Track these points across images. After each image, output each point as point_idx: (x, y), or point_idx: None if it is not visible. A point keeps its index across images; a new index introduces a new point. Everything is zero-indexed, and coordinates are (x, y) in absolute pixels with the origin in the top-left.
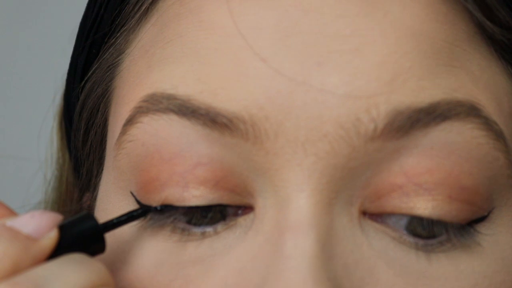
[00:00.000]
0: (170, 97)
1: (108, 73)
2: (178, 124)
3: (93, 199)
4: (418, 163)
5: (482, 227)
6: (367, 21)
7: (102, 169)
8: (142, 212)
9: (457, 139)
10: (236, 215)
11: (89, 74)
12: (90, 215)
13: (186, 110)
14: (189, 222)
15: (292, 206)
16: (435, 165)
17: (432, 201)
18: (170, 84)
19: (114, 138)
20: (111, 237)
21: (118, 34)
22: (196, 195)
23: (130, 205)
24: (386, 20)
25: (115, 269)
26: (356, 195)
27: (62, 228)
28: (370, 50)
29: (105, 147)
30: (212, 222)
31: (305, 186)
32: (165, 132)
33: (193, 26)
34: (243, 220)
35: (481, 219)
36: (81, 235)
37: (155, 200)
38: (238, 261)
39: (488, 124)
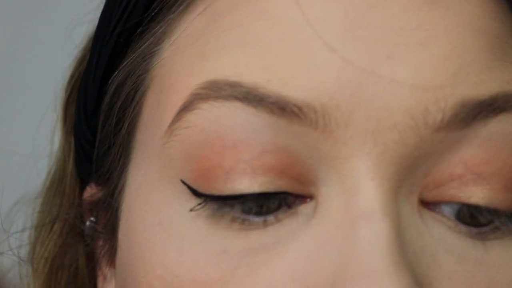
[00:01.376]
0: (234, 85)
1: (144, 63)
2: (243, 112)
3: (118, 191)
4: (477, 153)
5: None
6: (431, 16)
7: (129, 162)
8: None
9: (510, 128)
10: (295, 204)
11: (122, 65)
12: None
13: (253, 98)
14: (249, 211)
15: (362, 194)
16: (493, 155)
17: (489, 190)
18: (233, 71)
19: (156, 127)
20: (158, 226)
21: (154, 23)
22: (264, 182)
23: (179, 194)
24: (447, 16)
25: (168, 257)
26: (417, 184)
27: None
28: (435, 44)
29: (133, 139)
30: (272, 211)
31: (374, 175)
32: (228, 119)
33: (254, 15)
34: (303, 208)
35: None
36: None
37: (217, 188)
38: (306, 248)
39: None
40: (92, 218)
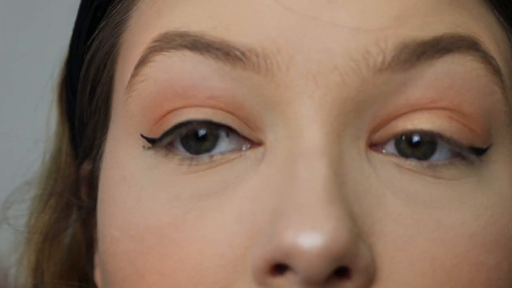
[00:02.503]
0: (183, 35)
1: (115, 30)
2: (191, 59)
3: (98, 158)
4: (423, 94)
5: (481, 158)
6: None
7: (107, 129)
8: None
9: (459, 70)
10: (241, 148)
11: (94, 34)
12: None
13: (200, 45)
14: (195, 141)
15: (304, 136)
16: (439, 95)
17: (434, 117)
18: (182, 22)
19: (121, 87)
20: (122, 181)
21: None
22: (209, 112)
23: (140, 148)
24: None
25: (127, 207)
26: (364, 129)
27: None
28: None
29: (110, 105)
30: (212, 145)
31: (316, 117)
32: (178, 68)
33: None
34: (252, 153)
35: (480, 152)
36: None
37: (164, 129)
38: (252, 190)
39: (486, 58)
40: (87, 196)
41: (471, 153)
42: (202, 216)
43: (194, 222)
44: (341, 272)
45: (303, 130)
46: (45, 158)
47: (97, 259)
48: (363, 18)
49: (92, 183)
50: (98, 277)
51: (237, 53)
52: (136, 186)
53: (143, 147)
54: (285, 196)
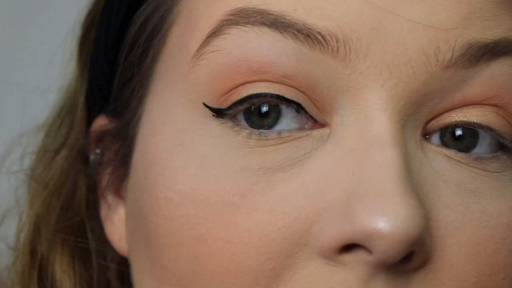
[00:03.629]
0: (262, 12)
1: None
2: (269, 37)
3: (136, 119)
4: (479, 92)
5: None
6: None
7: (148, 92)
8: None
9: (509, 70)
10: (304, 127)
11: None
12: None
13: (280, 24)
14: (250, 119)
15: (375, 123)
16: (492, 93)
17: (483, 110)
18: (261, 0)
19: (182, 55)
20: (180, 147)
21: None
22: (280, 88)
23: (201, 116)
24: None
25: (189, 173)
26: (421, 120)
27: None
28: None
29: (155, 69)
30: (274, 122)
31: (387, 106)
32: (254, 43)
33: None
34: (317, 133)
35: None
36: None
37: (234, 99)
38: (320, 169)
39: None
40: (97, 150)
41: None
42: (270, 189)
43: (262, 193)
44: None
45: (373, 117)
46: (57, 110)
47: (108, 214)
48: (435, 17)
49: (109, 139)
50: (113, 234)
51: (318, 36)
52: (198, 153)
53: (213, 115)
54: (361, 180)
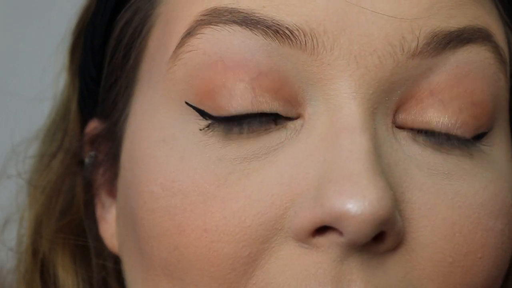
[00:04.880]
0: (233, 11)
1: (150, 1)
2: (241, 34)
3: (122, 119)
4: (444, 79)
5: (485, 141)
6: None
7: (133, 93)
8: None
9: (476, 58)
10: (284, 121)
11: (130, 3)
12: None
13: (250, 21)
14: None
15: (344, 111)
16: (457, 81)
17: (445, 111)
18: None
19: (161, 55)
20: (162, 142)
21: None
22: (262, 102)
23: (182, 114)
24: None
25: (170, 166)
26: (391, 107)
27: None
28: None
29: (138, 71)
30: (265, 127)
31: (356, 95)
32: (227, 41)
33: None
34: (291, 124)
35: (482, 135)
36: None
37: (222, 107)
38: (294, 157)
39: (497, 48)
40: (91, 153)
41: (476, 140)
42: (245, 177)
43: (237, 182)
44: (378, 235)
45: (343, 106)
46: (52, 116)
47: (102, 214)
48: (399, 8)
49: (101, 141)
50: (106, 232)
51: (287, 31)
52: (179, 147)
53: (200, 120)
54: (331, 165)
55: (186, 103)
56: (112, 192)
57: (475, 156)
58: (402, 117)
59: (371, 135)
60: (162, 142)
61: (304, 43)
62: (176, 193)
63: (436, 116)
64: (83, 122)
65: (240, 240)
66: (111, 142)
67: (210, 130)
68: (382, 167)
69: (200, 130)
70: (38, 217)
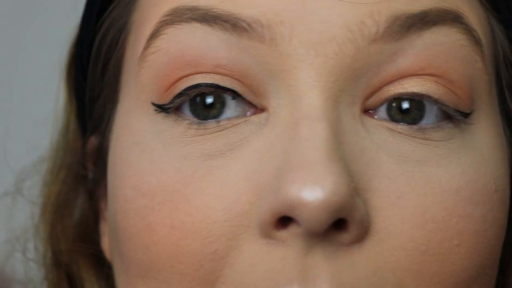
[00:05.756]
0: (193, 8)
1: (127, 9)
2: (200, 31)
3: (107, 130)
4: (413, 62)
5: (464, 121)
6: None
7: (117, 103)
8: None
9: (445, 40)
10: (245, 114)
11: (106, 12)
12: None
13: (209, 17)
14: (202, 106)
15: (305, 100)
16: (428, 63)
17: (422, 81)
18: None
19: (133, 60)
20: (135, 146)
21: None
22: (217, 78)
23: (150, 115)
24: None
25: (140, 168)
26: (358, 95)
27: None
28: None
29: (120, 80)
30: (219, 112)
31: (316, 83)
32: (188, 39)
33: None
34: (256, 118)
35: (465, 115)
36: None
37: (174, 92)
38: (257, 151)
39: (469, 30)
40: (94, 169)
41: (457, 114)
42: (210, 174)
43: (202, 179)
44: (339, 224)
45: (303, 96)
46: (54, 133)
47: (103, 228)
48: None
49: (99, 156)
50: (105, 244)
51: (244, 24)
52: (147, 149)
53: (155, 110)
54: (290, 155)
55: (151, 103)
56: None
57: (454, 141)
58: (371, 101)
59: (331, 123)
60: (134, 146)
61: (262, 34)
62: (146, 194)
63: (414, 83)
64: (85, 139)
65: (206, 236)
66: (103, 154)
67: (175, 127)
68: (343, 155)
69: (166, 129)
70: (52, 232)
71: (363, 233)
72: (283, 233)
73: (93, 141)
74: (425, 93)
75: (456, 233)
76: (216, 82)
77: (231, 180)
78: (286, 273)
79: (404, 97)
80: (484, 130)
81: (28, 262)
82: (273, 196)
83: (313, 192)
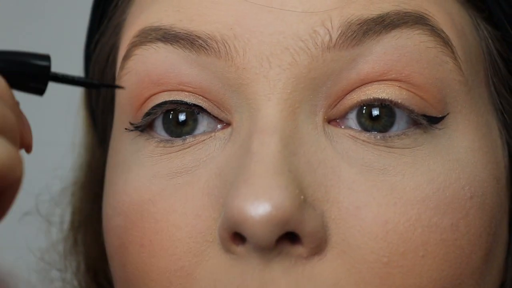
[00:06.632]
0: (156, 29)
1: (115, 31)
2: (164, 50)
3: (106, 149)
4: (372, 67)
5: (434, 127)
6: None
7: (112, 122)
8: (96, 83)
9: (407, 43)
10: (214, 130)
11: (98, 36)
12: (48, 56)
13: (170, 36)
14: (169, 124)
15: (260, 114)
16: (388, 67)
17: (384, 87)
18: (156, 18)
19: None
20: (116, 166)
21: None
22: (180, 95)
23: (129, 135)
24: None
25: (117, 187)
26: (320, 105)
27: (12, 54)
28: None
29: (114, 101)
30: (192, 129)
31: (271, 96)
32: (153, 58)
33: None
34: (222, 134)
35: (435, 120)
36: (26, 66)
37: (143, 111)
38: (218, 167)
39: (434, 31)
40: None
41: (424, 120)
42: (176, 192)
43: (169, 197)
44: (292, 238)
45: (260, 109)
46: (76, 155)
47: None
48: (310, 2)
49: None
50: None
51: (200, 41)
52: (125, 168)
53: (129, 130)
54: (240, 169)
55: (130, 122)
56: None
57: (422, 147)
58: (335, 110)
59: (282, 135)
60: (116, 166)
61: (217, 50)
62: (121, 213)
63: (376, 89)
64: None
65: (172, 253)
66: None
67: (146, 146)
68: (295, 167)
69: (139, 149)
70: (80, 245)
71: (322, 246)
72: (241, 248)
73: None
74: (388, 98)
75: (421, 243)
76: (180, 98)
77: (194, 197)
78: (246, 287)
79: (369, 103)
80: (461, 133)
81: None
82: (224, 212)
83: (254, 207)
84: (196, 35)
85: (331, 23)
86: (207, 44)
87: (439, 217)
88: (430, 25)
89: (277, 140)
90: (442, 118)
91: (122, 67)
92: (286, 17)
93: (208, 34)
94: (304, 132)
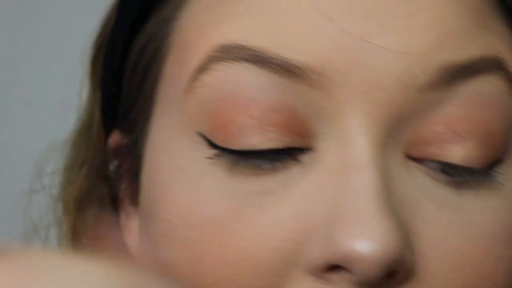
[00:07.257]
0: (242, 48)
1: (165, 26)
2: (251, 72)
3: (142, 138)
4: (457, 111)
5: (499, 169)
6: None
7: (151, 114)
8: None
9: (487, 88)
10: (298, 154)
11: (145, 28)
12: None
13: (260, 59)
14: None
15: (354, 146)
16: (470, 113)
17: (464, 149)
18: (241, 36)
19: (176, 85)
20: (178, 171)
21: None
22: (272, 137)
23: (197, 144)
24: None
25: (185, 196)
26: (404, 140)
27: None
28: (421, 15)
29: (156, 95)
30: (278, 162)
31: (366, 130)
32: (238, 78)
33: None
34: (304, 157)
35: (498, 162)
36: None
37: (231, 143)
38: (304, 191)
39: (509, 76)
40: (115, 162)
41: (490, 170)
42: (260, 212)
43: (252, 217)
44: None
45: (353, 141)
46: (77, 128)
47: (127, 223)
48: (408, 42)
49: (125, 153)
50: (130, 241)
51: (296, 70)
52: (195, 177)
53: (208, 144)
54: (341, 204)
55: (198, 133)
56: (135, 201)
57: (489, 186)
58: (419, 150)
59: (381, 172)
60: (178, 172)
61: (313, 79)
62: (194, 224)
63: (453, 150)
64: (106, 133)
65: (256, 273)
66: (132, 159)
67: (221, 161)
68: (393, 204)
69: (210, 159)
70: (74, 227)
71: (409, 277)
72: (333, 276)
73: (116, 136)
74: (467, 165)
75: (489, 275)
76: (273, 145)
77: (280, 220)
78: None
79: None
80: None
81: None
82: (324, 243)
83: (370, 247)
84: (292, 64)
85: (429, 66)
86: (304, 74)
87: (504, 250)
88: (505, 70)
89: (378, 177)
90: (502, 161)
91: (195, 79)
92: (386, 55)
93: (306, 64)
94: (392, 167)
